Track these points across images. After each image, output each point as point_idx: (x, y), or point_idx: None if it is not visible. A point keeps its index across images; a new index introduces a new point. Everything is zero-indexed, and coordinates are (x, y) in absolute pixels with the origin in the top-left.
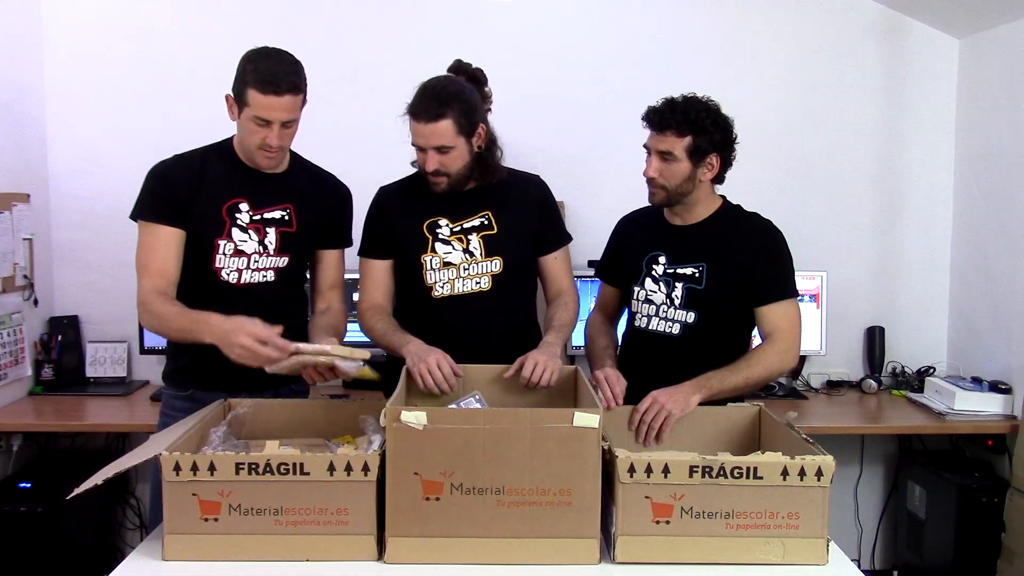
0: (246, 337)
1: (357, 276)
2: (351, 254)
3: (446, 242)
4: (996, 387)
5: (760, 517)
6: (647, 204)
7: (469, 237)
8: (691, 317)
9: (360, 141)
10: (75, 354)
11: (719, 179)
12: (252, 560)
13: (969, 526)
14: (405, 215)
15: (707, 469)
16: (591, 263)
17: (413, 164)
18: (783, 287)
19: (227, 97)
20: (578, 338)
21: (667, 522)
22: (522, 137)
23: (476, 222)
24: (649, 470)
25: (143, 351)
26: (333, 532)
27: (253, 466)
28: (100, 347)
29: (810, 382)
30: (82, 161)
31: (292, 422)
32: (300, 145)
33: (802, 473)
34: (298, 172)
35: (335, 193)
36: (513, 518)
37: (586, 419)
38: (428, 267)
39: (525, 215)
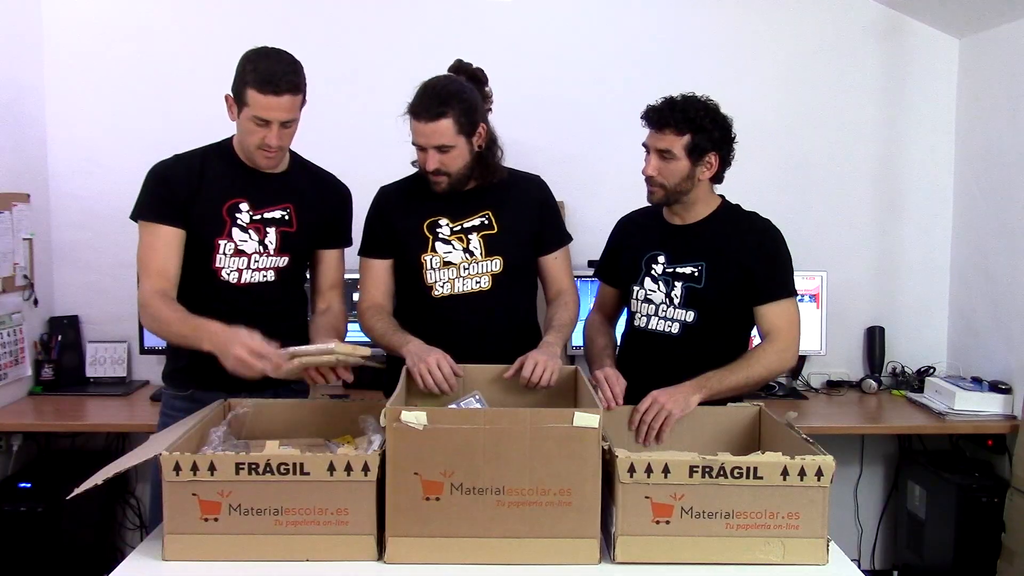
0: (241, 348)
1: (357, 276)
2: (351, 254)
3: (446, 241)
4: (996, 387)
5: (760, 517)
6: (647, 204)
7: (469, 236)
8: (690, 316)
9: (360, 141)
10: (75, 354)
11: (718, 178)
12: (252, 560)
13: (969, 526)
14: (405, 215)
15: (707, 469)
16: (591, 263)
17: (414, 164)
18: (782, 286)
19: (226, 97)
20: (578, 338)
21: (667, 522)
22: (522, 137)
23: (476, 222)
24: (649, 470)
25: (143, 351)
26: (333, 532)
27: (253, 466)
28: (100, 347)
29: (810, 382)
30: (82, 161)
31: (292, 422)
32: (300, 145)
33: (802, 473)
34: (298, 172)
35: (335, 193)
36: (513, 518)
37: (586, 419)
38: (428, 266)
39: (525, 215)
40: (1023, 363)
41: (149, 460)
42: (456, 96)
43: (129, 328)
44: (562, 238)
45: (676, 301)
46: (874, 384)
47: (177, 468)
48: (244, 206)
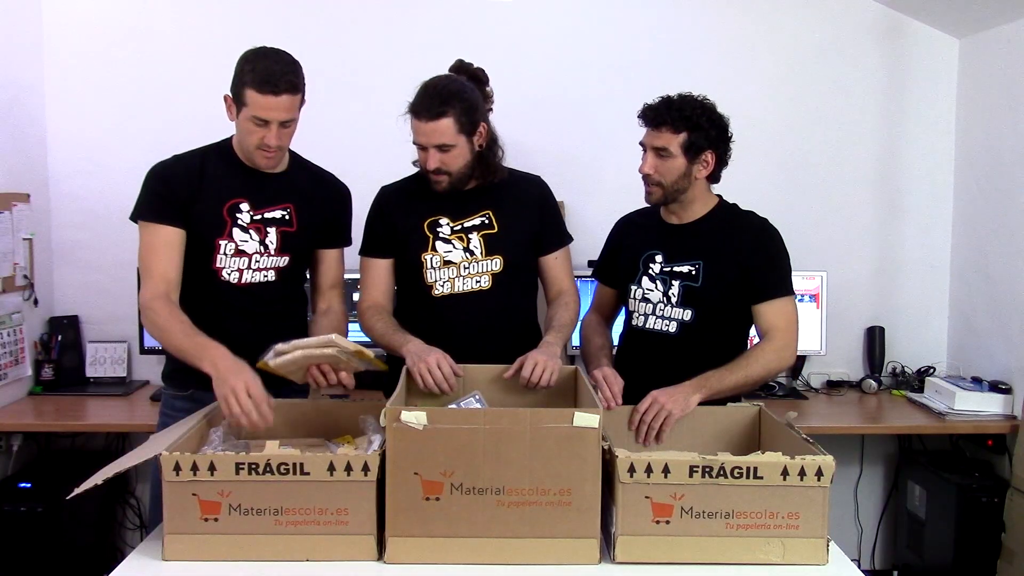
0: (241, 383)
1: (357, 276)
2: (351, 254)
3: (446, 241)
4: (996, 387)
5: (760, 517)
6: (646, 205)
7: (470, 236)
8: (688, 315)
9: (360, 141)
10: (75, 354)
11: (715, 178)
12: (252, 560)
13: (969, 526)
14: (406, 214)
15: (707, 469)
16: (591, 263)
17: (414, 163)
18: (779, 285)
19: (225, 97)
20: (577, 338)
21: (667, 522)
22: (522, 137)
23: (477, 221)
24: (649, 470)
25: (143, 351)
26: (333, 532)
27: (253, 466)
28: (100, 347)
29: (810, 382)
30: (82, 161)
31: (292, 422)
32: (300, 145)
33: (802, 473)
34: (298, 172)
35: (335, 192)
36: (513, 518)
37: (586, 419)
38: (428, 266)
39: (526, 215)
40: (1023, 363)
41: (149, 460)
42: (457, 95)
43: (129, 328)
44: (562, 238)
45: (674, 300)
46: (874, 384)
47: (177, 468)
48: (244, 206)
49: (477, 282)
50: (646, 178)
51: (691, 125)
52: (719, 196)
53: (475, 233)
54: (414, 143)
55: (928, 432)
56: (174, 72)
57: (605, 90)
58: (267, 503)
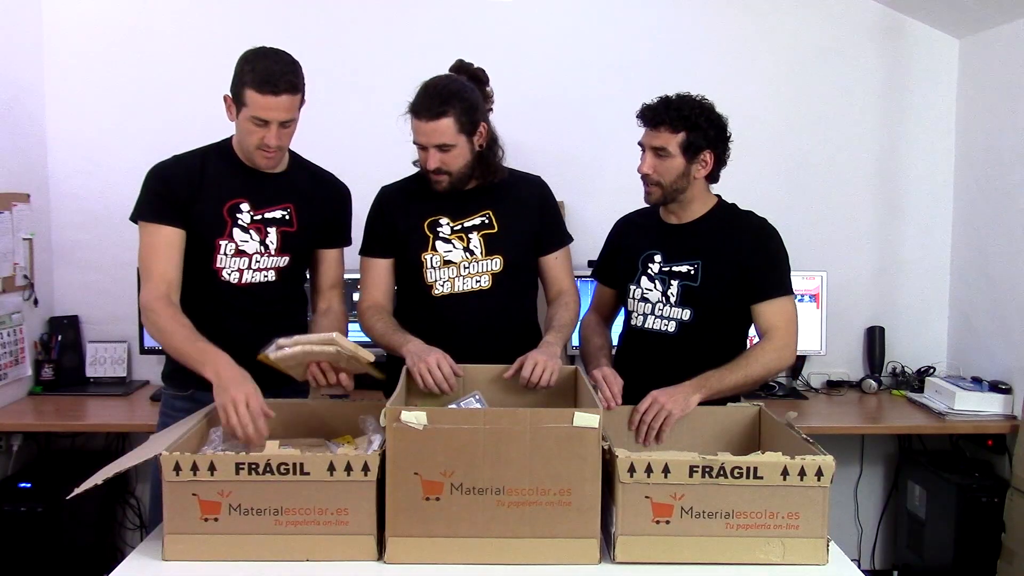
0: (241, 394)
1: (357, 276)
2: (351, 253)
3: (447, 240)
4: (996, 387)
5: (760, 517)
6: (645, 205)
7: (470, 236)
8: (687, 314)
9: (360, 141)
10: (75, 354)
11: (714, 177)
12: (252, 560)
13: (969, 526)
14: (406, 214)
15: (707, 469)
16: (591, 263)
17: (415, 163)
18: (778, 284)
19: (225, 98)
20: (577, 338)
21: (667, 522)
22: (522, 137)
23: (477, 221)
24: (649, 470)
25: (143, 351)
26: (333, 532)
27: (253, 466)
28: (100, 347)
29: (810, 382)
30: (82, 161)
31: (292, 422)
32: (300, 145)
33: (802, 473)
34: (297, 171)
35: (335, 192)
36: (513, 518)
37: (586, 419)
38: (428, 265)
39: (526, 215)
40: (1023, 363)
41: (149, 460)
42: (457, 95)
43: (129, 328)
44: (563, 238)
45: (672, 300)
46: (874, 384)
47: (177, 468)
48: (245, 206)
49: (477, 282)
50: (645, 178)
51: (689, 125)
52: (718, 196)
53: (475, 233)
54: (414, 143)
55: (928, 432)
56: (174, 72)
57: (605, 90)
58: (267, 503)
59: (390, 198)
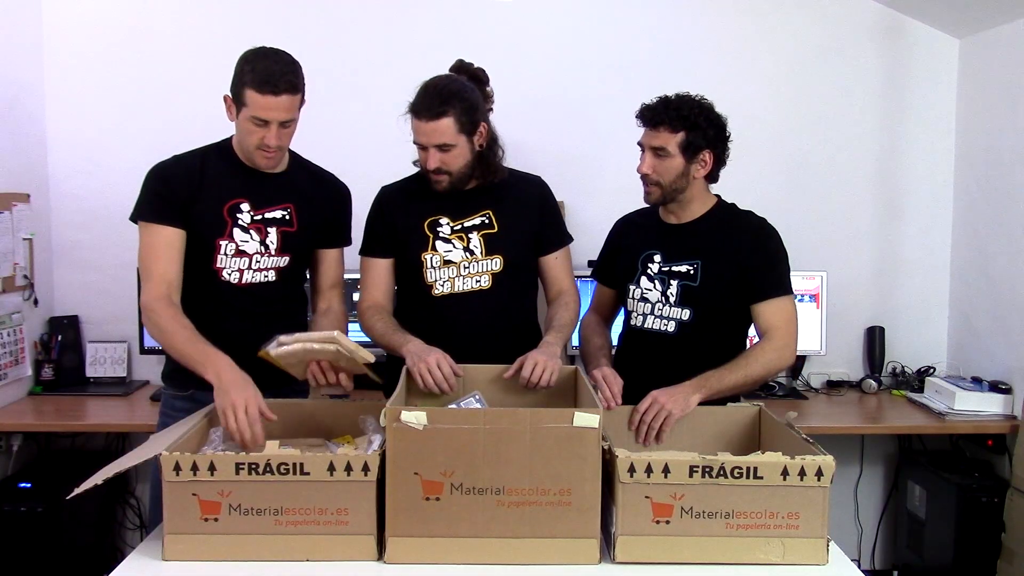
0: (241, 399)
1: (357, 276)
2: (351, 253)
3: (447, 240)
4: (996, 387)
5: (760, 517)
6: (645, 205)
7: (470, 235)
8: (686, 314)
9: (360, 141)
10: (75, 354)
11: (713, 177)
12: (252, 560)
13: (969, 526)
14: (406, 213)
15: (707, 469)
16: (591, 263)
17: (415, 163)
18: (778, 284)
19: (225, 98)
20: (577, 338)
21: (667, 522)
22: (522, 137)
23: (477, 221)
24: (649, 470)
25: (143, 351)
26: (333, 532)
27: (253, 466)
28: (100, 347)
29: (810, 382)
30: (82, 161)
31: (292, 422)
32: (300, 145)
33: (802, 473)
34: (297, 171)
35: (335, 192)
36: (513, 518)
37: (586, 419)
38: (428, 265)
39: (526, 214)
40: (1023, 363)
41: (149, 460)
42: (457, 95)
43: (129, 328)
44: (563, 238)
45: (672, 299)
46: (874, 384)
47: (177, 468)
48: (245, 206)
49: (477, 282)
50: (644, 178)
51: (689, 124)
52: (717, 196)
53: (475, 233)
54: (414, 143)
55: (928, 432)
56: (174, 72)
57: (605, 90)
58: (267, 503)
59: (390, 198)
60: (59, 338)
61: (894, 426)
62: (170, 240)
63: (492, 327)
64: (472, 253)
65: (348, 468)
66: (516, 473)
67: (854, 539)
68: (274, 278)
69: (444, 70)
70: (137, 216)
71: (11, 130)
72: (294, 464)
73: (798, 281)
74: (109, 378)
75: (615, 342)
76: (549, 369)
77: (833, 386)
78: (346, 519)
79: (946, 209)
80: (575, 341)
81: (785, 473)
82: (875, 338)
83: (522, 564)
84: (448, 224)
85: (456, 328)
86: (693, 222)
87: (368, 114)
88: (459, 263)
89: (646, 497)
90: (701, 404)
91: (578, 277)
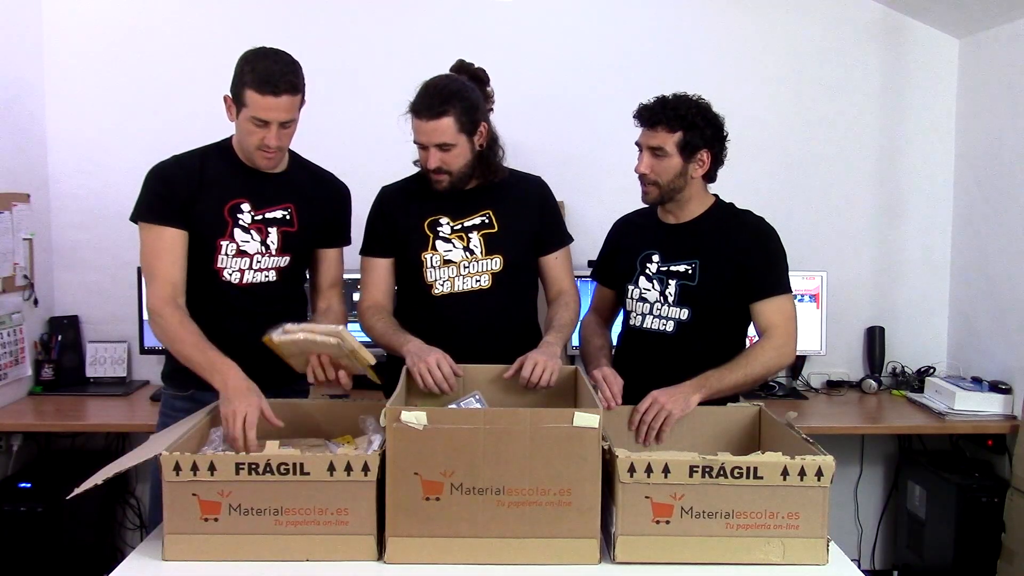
0: (242, 408)
1: (357, 276)
2: (351, 253)
3: (447, 240)
4: (996, 387)
5: (760, 517)
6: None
7: (470, 235)
8: (685, 314)
9: (360, 141)
10: (75, 354)
11: (711, 177)
12: (252, 560)
13: (969, 526)
14: (406, 213)
15: (707, 469)
16: (591, 263)
17: (415, 163)
18: (776, 283)
19: (225, 98)
20: (577, 338)
21: (667, 522)
22: (522, 137)
23: (477, 220)
24: (649, 470)
25: (143, 351)
26: (333, 532)
27: (253, 466)
28: (100, 347)
29: (810, 382)
30: (82, 161)
31: (292, 422)
32: (300, 145)
33: (802, 473)
34: (298, 171)
35: (335, 192)
36: (513, 518)
37: (586, 419)
38: (428, 265)
39: (526, 214)
40: (1023, 363)
41: (149, 460)
42: (457, 95)
43: (129, 328)
44: (563, 238)
45: (670, 299)
46: (874, 384)
47: (177, 468)
48: (245, 206)
49: (477, 281)
50: (642, 178)
51: (686, 124)
52: (715, 195)
53: (475, 232)
54: (415, 142)
55: (928, 432)
56: (174, 72)
57: (605, 90)
58: (267, 503)
59: (390, 198)
60: (59, 338)
61: (894, 426)
62: (172, 241)
63: (492, 327)
64: (472, 253)
65: (348, 468)
66: (516, 473)
67: (854, 539)
68: (275, 278)
69: (444, 70)
70: (137, 217)
71: (11, 130)
72: (294, 464)
73: (798, 281)
74: (109, 378)
75: (615, 342)
76: (549, 369)
77: (833, 386)
78: (346, 519)
79: (946, 209)
80: (575, 341)
81: (785, 473)
82: (875, 338)
83: (522, 564)
84: (448, 224)
85: (456, 328)
86: (691, 222)
87: (368, 114)
88: (459, 263)
89: (646, 497)
90: (701, 404)
91: (578, 277)
